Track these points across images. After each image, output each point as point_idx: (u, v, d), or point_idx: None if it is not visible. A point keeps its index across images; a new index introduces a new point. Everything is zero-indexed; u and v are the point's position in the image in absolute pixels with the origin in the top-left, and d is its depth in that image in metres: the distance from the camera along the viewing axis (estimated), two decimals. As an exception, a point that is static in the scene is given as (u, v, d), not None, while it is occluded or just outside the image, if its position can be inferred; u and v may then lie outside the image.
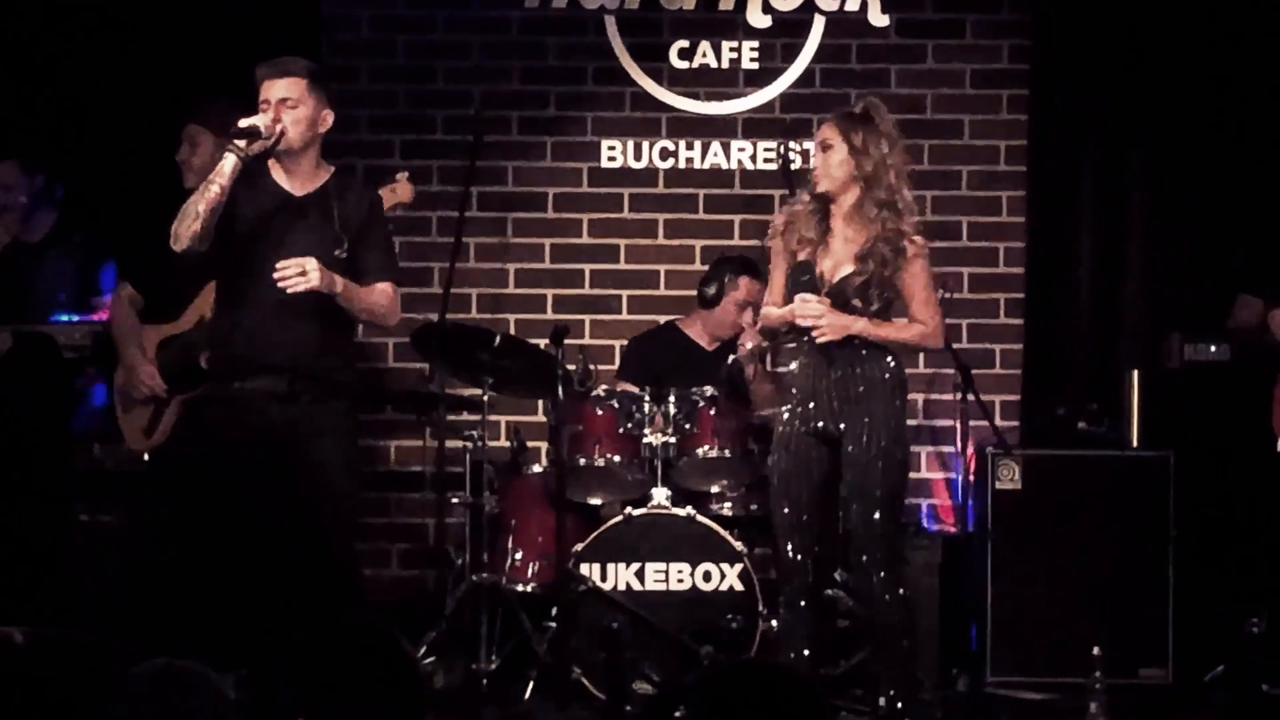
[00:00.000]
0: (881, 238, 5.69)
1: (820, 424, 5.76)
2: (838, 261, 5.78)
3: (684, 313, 7.35)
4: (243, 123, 5.73)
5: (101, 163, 7.34)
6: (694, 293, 7.25)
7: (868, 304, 5.71)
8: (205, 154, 6.38)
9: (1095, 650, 5.84)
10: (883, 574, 5.69)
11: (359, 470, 6.20)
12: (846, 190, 5.77)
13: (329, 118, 5.88)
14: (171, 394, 6.35)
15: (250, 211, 5.80)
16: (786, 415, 5.85)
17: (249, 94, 6.58)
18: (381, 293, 5.85)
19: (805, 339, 5.80)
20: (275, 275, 5.62)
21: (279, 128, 5.75)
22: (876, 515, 5.68)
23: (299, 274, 5.61)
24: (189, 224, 5.70)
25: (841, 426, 5.73)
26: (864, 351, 5.74)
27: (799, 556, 5.78)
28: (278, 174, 5.87)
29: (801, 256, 5.82)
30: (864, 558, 5.71)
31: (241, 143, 5.70)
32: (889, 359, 5.76)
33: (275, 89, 5.80)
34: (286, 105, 5.78)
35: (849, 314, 5.71)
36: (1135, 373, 7.17)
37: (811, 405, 5.78)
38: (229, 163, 5.70)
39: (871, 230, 5.71)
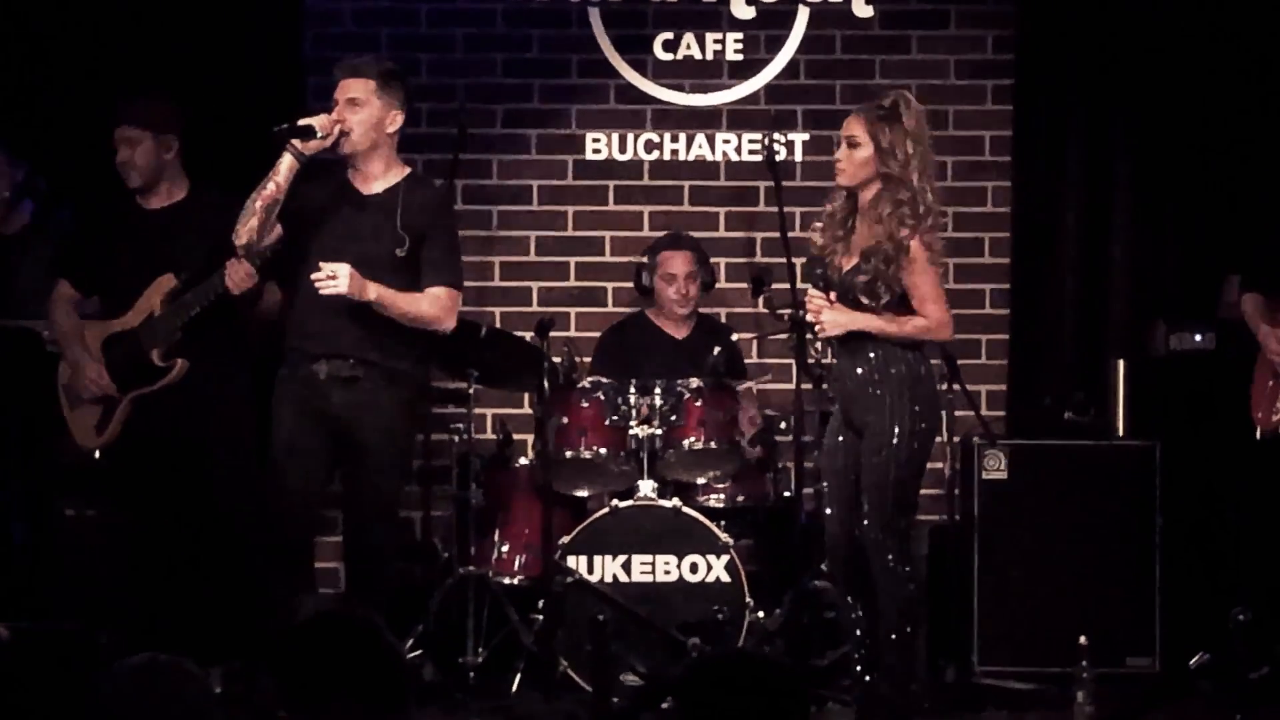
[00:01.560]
0: (887, 236, 5.73)
1: (851, 415, 5.87)
2: (850, 255, 5.85)
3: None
4: (300, 121, 5.81)
5: (68, 154, 7.31)
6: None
7: (875, 300, 5.77)
8: (146, 153, 6.33)
9: (1082, 640, 5.84)
10: (890, 558, 5.78)
11: (408, 463, 6.36)
12: (868, 186, 5.82)
13: (399, 119, 6.00)
14: (122, 392, 6.31)
15: (320, 208, 5.94)
16: (834, 407, 6.00)
17: (240, 84, 6.59)
18: (432, 300, 5.95)
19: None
20: (311, 277, 5.77)
21: (337, 128, 5.82)
22: (886, 504, 5.76)
23: (329, 278, 5.73)
24: (247, 221, 5.88)
25: (864, 424, 5.83)
26: (879, 347, 5.81)
27: (841, 538, 5.91)
28: (351, 173, 6.01)
29: (825, 251, 5.90)
30: (874, 541, 5.80)
31: (297, 141, 5.80)
32: (905, 353, 5.82)
33: (344, 89, 5.94)
34: (353, 105, 5.88)
35: (856, 309, 5.79)
36: (1121, 362, 7.18)
37: (843, 397, 5.89)
38: (285, 161, 5.85)
39: (881, 227, 5.76)
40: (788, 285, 6.41)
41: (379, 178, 5.99)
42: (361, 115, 5.91)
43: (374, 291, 5.80)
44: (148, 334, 6.26)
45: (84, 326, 6.39)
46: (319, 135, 5.83)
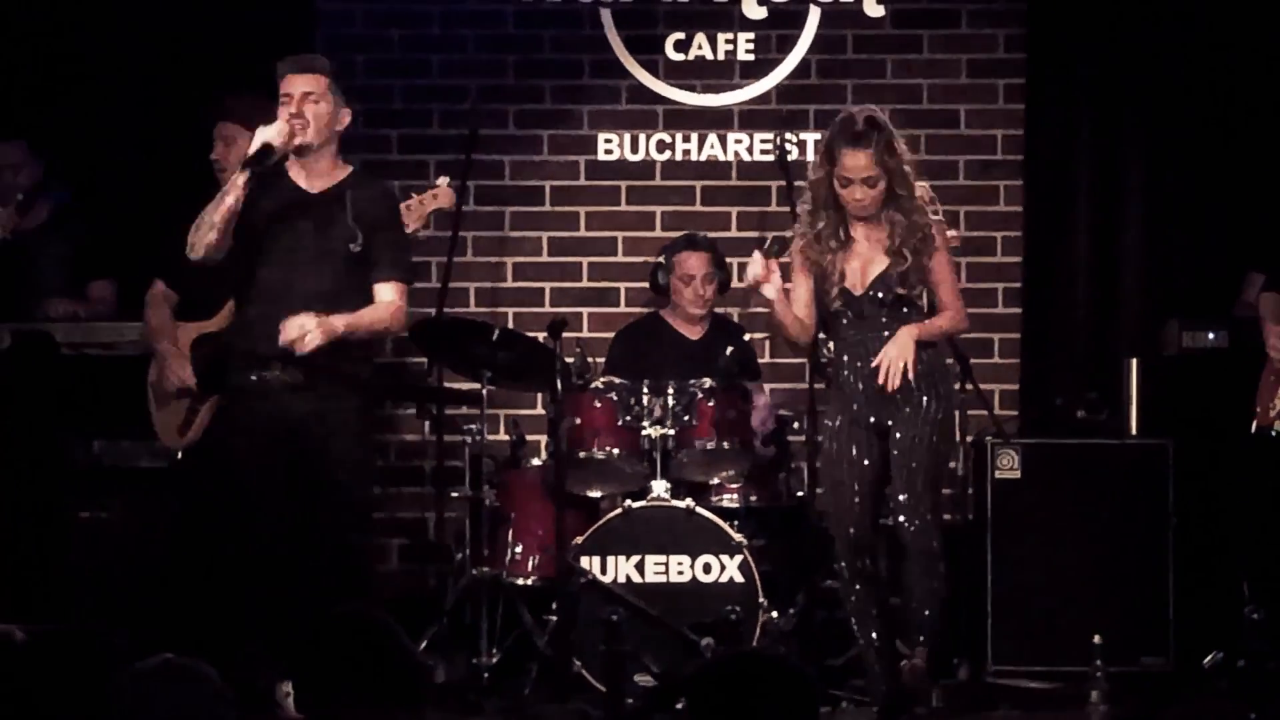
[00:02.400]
0: (905, 229, 5.81)
1: (870, 418, 5.89)
2: (866, 261, 5.88)
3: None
4: (254, 144, 5.75)
5: (108, 157, 7.32)
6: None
7: (910, 289, 5.84)
8: (241, 151, 6.36)
9: (1096, 638, 5.84)
10: (924, 555, 5.81)
11: (371, 465, 6.28)
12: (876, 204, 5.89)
13: (346, 117, 5.94)
14: (207, 393, 6.32)
15: (266, 209, 5.85)
16: (835, 408, 5.98)
17: (245, 87, 6.58)
18: (387, 304, 5.88)
19: (852, 333, 5.91)
20: (280, 340, 5.67)
21: (298, 124, 5.79)
22: (920, 503, 5.81)
23: (299, 337, 5.66)
24: (204, 234, 5.79)
25: (889, 420, 5.86)
26: None
27: (854, 542, 5.90)
28: (295, 172, 5.93)
29: (824, 264, 5.90)
30: (909, 544, 5.83)
31: (259, 164, 5.74)
32: (925, 348, 5.86)
33: (298, 83, 5.86)
34: (309, 100, 5.84)
35: (885, 307, 5.84)
36: (1133, 361, 7.17)
37: (861, 399, 5.89)
38: (243, 177, 5.76)
39: (892, 224, 5.83)
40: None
41: (325, 175, 5.92)
42: (319, 110, 5.84)
43: (341, 325, 5.74)
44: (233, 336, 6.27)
45: (176, 326, 6.42)
46: (275, 155, 5.77)
